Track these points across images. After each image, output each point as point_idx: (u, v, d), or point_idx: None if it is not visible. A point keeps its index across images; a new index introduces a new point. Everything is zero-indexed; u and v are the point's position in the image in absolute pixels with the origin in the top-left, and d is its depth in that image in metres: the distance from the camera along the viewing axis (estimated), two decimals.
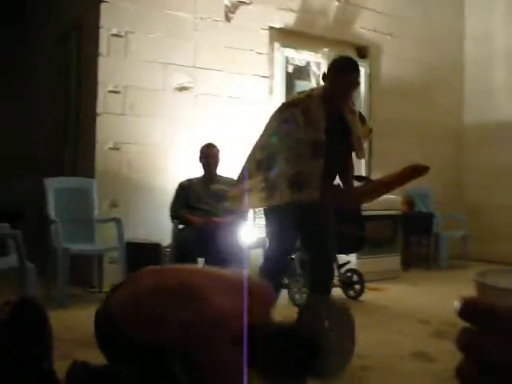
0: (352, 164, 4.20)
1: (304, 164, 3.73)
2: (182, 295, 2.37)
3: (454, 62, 9.09)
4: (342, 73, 3.76)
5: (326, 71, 3.91)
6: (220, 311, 2.26)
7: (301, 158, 3.75)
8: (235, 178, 5.62)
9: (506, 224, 8.37)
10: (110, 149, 6.05)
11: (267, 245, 4.21)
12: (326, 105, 3.81)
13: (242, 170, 4.00)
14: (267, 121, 4.04)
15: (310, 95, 3.89)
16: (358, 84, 4.03)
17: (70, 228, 5.61)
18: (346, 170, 4.14)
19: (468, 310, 0.54)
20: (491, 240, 8.44)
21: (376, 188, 4.15)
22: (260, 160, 3.90)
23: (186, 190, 5.52)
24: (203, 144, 5.67)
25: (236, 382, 2.18)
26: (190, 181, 5.59)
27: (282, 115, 3.87)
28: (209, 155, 5.56)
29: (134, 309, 2.49)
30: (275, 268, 3.96)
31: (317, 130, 3.74)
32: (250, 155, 4.01)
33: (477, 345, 0.54)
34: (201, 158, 5.60)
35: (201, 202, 5.44)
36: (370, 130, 4.27)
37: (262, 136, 4.01)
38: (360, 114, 4.11)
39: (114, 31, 6.05)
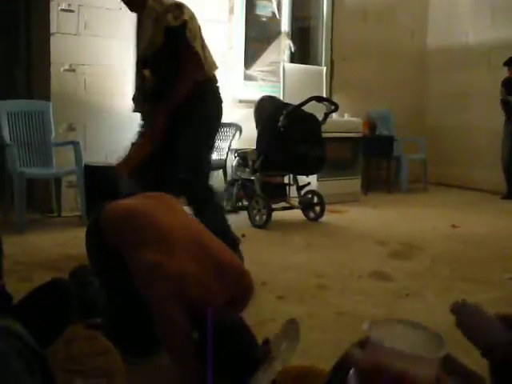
0: (180, 81, 3.62)
1: None
2: (159, 238, 2.34)
3: None
4: None
5: None
6: (183, 274, 2.21)
7: None
8: None
9: (465, 148, 8.44)
10: (66, 70, 5.87)
11: None
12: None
13: None
14: None
15: None
16: None
17: (26, 152, 5.51)
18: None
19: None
20: (450, 163, 8.54)
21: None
22: None
23: None
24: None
25: (178, 344, 2.17)
26: None
27: None
28: None
29: (119, 220, 2.50)
30: None
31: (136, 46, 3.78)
32: None
33: None
34: None
35: None
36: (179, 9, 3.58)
37: None
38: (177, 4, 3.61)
39: None
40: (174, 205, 2.69)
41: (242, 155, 5.98)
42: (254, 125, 5.75)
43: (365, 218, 6.20)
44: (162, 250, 2.27)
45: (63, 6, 5.78)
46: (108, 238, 2.47)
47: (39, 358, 1.34)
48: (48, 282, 2.21)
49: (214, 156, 6.10)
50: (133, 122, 5.88)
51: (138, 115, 5.72)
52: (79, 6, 5.87)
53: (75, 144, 5.46)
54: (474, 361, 1.26)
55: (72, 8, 5.83)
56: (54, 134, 5.69)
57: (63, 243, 4.64)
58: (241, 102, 6.93)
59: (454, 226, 5.69)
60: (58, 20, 5.76)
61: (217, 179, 6.23)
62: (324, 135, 5.75)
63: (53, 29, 5.74)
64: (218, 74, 6.39)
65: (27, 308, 2.04)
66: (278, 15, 7.56)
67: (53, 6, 5.72)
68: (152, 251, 2.26)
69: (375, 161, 8.12)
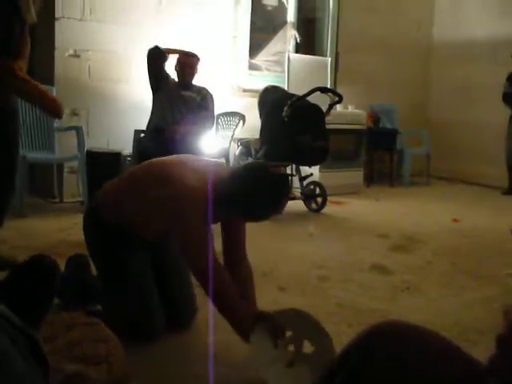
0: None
1: None
2: (159, 179, 2.46)
3: None
4: None
5: None
6: (190, 188, 2.33)
7: None
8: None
9: (468, 142, 8.40)
10: (70, 56, 5.85)
11: None
12: None
13: None
14: None
15: None
16: None
17: (28, 136, 5.49)
18: None
19: None
20: (454, 158, 8.51)
21: None
22: None
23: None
24: (186, 52, 5.55)
25: (202, 248, 2.29)
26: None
27: None
28: (185, 64, 5.43)
29: (112, 195, 2.61)
30: None
31: None
32: None
33: None
34: (176, 66, 5.47)
35: (173, 107, 5.33)
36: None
37: None
38: None
39: None
40: None
41: (245, 144, 5.97)
42: (257, 114, 5.73)
43: (366, 210, 6.18)
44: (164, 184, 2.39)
45: None
46: (109, 214, 2.50)
47: (28, 338, 1.33)
48: (29, 259, 2.20)
49: (218, 144, 6.08)
50: (136, 109, 5.90)
51: (142, 103, 5.74)
52: None
53: (78, 129, 5.45)
54: (479, 351, 1.24)
55: None
56: (56, 119, 5.67)
57: (64, 229, 4.63)
58: (245, 91, 6.92)
59: (455, 220, 5.68)
60: (62, 4, 5.73)
61: None
62: (328, 126, 5.72)
63: (58, 13, 5.71)
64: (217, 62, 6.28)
65: (8, 287, 2.03)
66: (286, 3, 7.51)
67: None
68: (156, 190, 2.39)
69: (378, 153, 8.09)
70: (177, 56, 5.53)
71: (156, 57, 5.40)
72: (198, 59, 5.49)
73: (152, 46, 5.46)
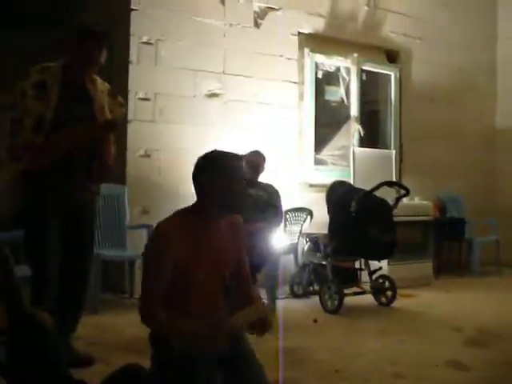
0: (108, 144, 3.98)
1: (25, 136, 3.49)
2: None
3: (485, 65, 8.99)
4: (82, 41, 3.60)
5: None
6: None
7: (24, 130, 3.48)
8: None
9: None
10: (141, 156, 6.08)
11: None
12: (64, 73, 3.59)
13: None
14: None
15: (46, 68, 3.59)
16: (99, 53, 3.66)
17: (101, 234, 5.65)
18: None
19: None
20: None
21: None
22: None
23: None
24: (251, 151, 5.67)
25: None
26: None
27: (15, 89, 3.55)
28: (253, 162, 5.50)
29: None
30: None
31: (47, 103, 3.50)
32: None
33: None
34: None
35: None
36: (121, 105, 4.02)
37: None
38: (110, 89, 3.92)
39: (145, 39, 6.08)
40: None
41: (314, 240, 5.99)
42: (325, 209, 5.78)
43: (437, 302, 6.06)
44: None
45: (140, 95, 6.04)
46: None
47: None
48: (121, 369, 2.24)
49: (287, 240, 6.12)
50: None
51: None
52: (155, 94, 6.13)
53: (148, 227, 5.58)
54: None
55: (148, 96, 6.09)
56: (128, 217, 5.84)
57: (136, 325, 4.66)
58: (311, 186, 7.00)
59: None
60: (135, 108, 6.01)
61: (288, 263, 6.25)
62: (395, 219, 5.72)
63: (130, 116, 5.97)
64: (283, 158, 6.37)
65: None
66: (346, 101, 7.69)
67: (131, 94, 5.98)
68: None
69: (446, 244, 7.97)
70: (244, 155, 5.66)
71: None
72: (264, 158, 5.59)
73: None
